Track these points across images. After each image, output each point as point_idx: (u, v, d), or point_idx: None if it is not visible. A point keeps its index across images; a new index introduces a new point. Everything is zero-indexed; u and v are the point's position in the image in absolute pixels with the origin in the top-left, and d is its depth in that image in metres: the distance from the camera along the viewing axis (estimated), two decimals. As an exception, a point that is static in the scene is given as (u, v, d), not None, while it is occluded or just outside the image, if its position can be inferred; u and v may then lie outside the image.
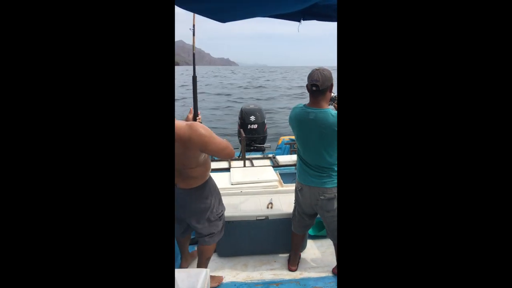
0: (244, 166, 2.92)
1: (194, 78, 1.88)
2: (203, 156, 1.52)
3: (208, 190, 1.63)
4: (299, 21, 1.97)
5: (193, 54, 1.91)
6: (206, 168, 1.60)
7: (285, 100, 16.88)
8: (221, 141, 1.48)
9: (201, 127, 1.42)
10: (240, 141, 3.22)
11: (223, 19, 1.77)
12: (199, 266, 1.77)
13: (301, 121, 1.65)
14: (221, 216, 1.71)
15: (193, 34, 1.79)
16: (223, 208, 1.75)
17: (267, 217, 2.01)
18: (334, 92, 1.72)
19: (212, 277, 1.83)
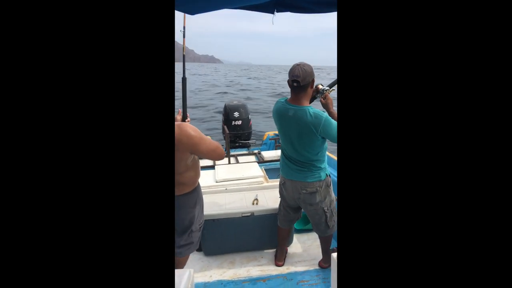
0: (229, 163, 2.90)
1: (184, 79, 1.86)
2: (191, 158, 1.47)
3: (196, 197, 1.56)
4: (272, 13, 1.94)
5: (183, 56, 1.93)
6: (196, 173, 1.53)
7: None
8: (211, 142, 1.44)
9: (190, 128, 1.38)
10: (224, 138, 3.18)
11: (191, 11, 1.72)
12: None
13: (281, 116, 1.65)
14: (201, 227, 1.64)
15: (184, 36, 1.84)
16: (203, 218, 1.68)
17: (252, 214, 2.00)
18: (323, 85, 1.69)
19: None
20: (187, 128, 1.37)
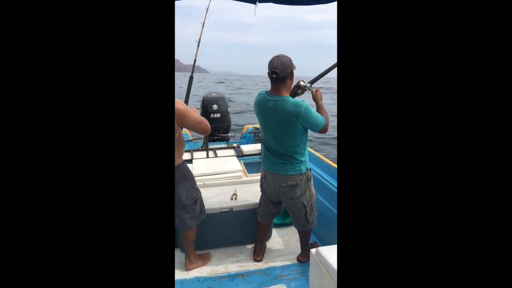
0: (207, 157, 2.83)
1: (191, 78, 2.52)
2: (178, 135, 1.57)
3: (181, 174, 1.65)
4: (254, 3, 1.89)
5: (194, 61, 2.57)
6: (179, 151, 1.61)
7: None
8: (198, 115, 1.59)
9: (179, 102, 1.51)
10: None
11: None
12: (186, 250, 1.84)
13: (262, 108, 1.64)
14: (196, 200, 1.74)
15: (198, 46, 2.48)
16: (198, 192, 1.78)
17: (231, 209, 1.96)
18: (305, 82, 1.72)
19: (199, 257, 1.91)
20: (176, 103, 1.50)
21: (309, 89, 1.71)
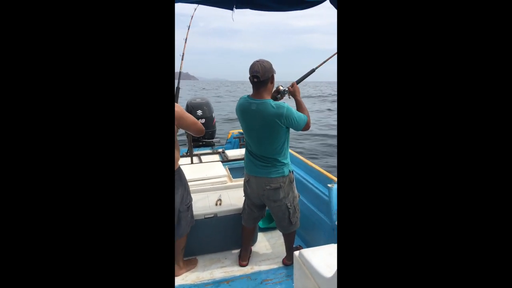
0: (192, 162, 2.81)
1: (177, 88, 2.60)
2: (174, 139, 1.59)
3: (178, 180, 1.68)
4: (231, 9, 1.90)
5: (180, 73, 2.71)
6: (176, 155, 1.63)
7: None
8: (193, 117, 1.66)
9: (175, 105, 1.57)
10: (187, 137, 3.08)
11: None
12: (176, 256, 1.82)
13: (244, 111, 1.66)
14: (189, 207, 1.78)
15: (182, 59, 2.65)
16: (191, 199, 1.80)
17: (215, 215, 1.95)
18: (283, 86, 1.76)
19: (187, 263, 1.91)
20: None
21: (288, 93, 1.75)
